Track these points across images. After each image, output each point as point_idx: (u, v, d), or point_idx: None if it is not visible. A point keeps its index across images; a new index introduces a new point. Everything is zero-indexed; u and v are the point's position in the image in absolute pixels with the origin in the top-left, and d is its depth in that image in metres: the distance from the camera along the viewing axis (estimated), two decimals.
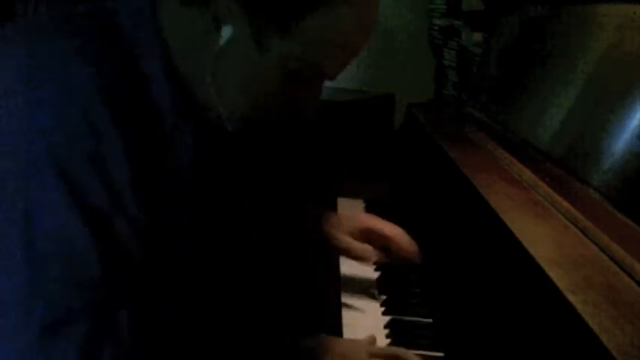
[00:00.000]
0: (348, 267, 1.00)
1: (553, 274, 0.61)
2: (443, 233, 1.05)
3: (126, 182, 0.54)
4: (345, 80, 2.17)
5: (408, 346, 0.80)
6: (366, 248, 0.93)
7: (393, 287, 0.97)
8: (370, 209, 1.30)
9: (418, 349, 0.79)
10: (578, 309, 0.55)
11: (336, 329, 0.85)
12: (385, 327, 0.86)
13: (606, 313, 0.54)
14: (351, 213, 1.03)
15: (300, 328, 0.78)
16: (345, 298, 0.93)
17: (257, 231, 0.90)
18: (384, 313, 0.90)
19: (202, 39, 0.59)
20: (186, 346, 0.64)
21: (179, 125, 0.60)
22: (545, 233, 0.73)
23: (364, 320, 0.89)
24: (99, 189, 0.52)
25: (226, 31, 0.57)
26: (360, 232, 0.95)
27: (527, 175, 0.92)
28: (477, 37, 1.59)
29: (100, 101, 0.54)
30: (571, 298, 0.57)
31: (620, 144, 0.77)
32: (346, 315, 0.89)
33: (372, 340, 0.80)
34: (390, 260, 0.97)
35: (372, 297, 0.95)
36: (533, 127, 1.05)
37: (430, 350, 0.79)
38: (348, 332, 0.85)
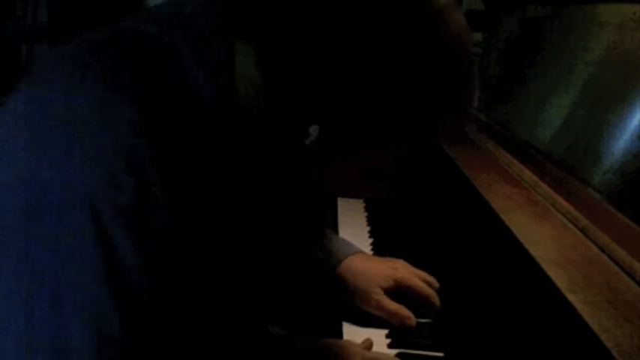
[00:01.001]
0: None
1: (553, 274, 0.61)
2: (443, 233, 1.05)
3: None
4: None
5: (408, 346, 0.80)
6: (406, 314, 0.84)
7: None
8: (370, 209, 1.30)
9: (418, 350, 0.79)
10: (578, 309, 0.55)
11: (336, 332, 0.85)
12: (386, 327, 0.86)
13: (606, 313, 0.54)
14: (386, 260, 0.93)
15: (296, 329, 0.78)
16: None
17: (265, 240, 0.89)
18: None
19: None
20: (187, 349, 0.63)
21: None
22: (545, 233, 0.73)
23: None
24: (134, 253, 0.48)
25: None
26: (393, 285, 0.87)
27: (527, 175, 0.92)
28: (477, 37, 1.59)
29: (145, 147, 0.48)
30: (571, 298, 0.57)
31: (620, 144, 0.77)
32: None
33: (369, 345, 0.80)
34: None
35: None
36: (533, 127, 1.05)
37: (430, 350, 0.79)
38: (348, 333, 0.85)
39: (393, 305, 0.84)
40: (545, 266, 0.63)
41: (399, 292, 0.86)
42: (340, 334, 0.84)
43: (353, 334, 0.83)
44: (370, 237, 1.15)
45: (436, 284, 0.89)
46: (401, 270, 0.89)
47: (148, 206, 0.48)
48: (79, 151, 0.48)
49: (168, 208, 0.49)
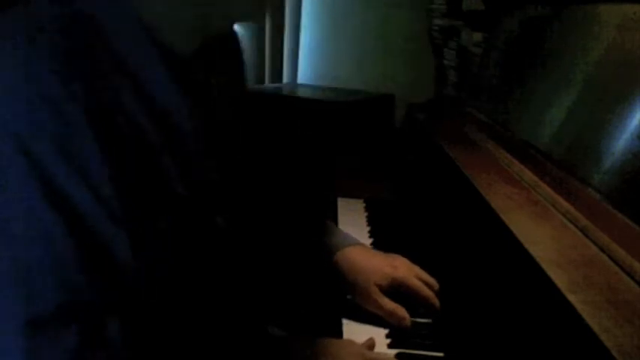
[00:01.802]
0: None
1: (553, 274, 0.61)
2: (443, 233, 1.05)
3: (102, 171, 0.53)
4: (345, 80, 2.18)
5: (408, 346, 0.80)
6: (403, 314, 0.84)
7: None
8: (370, 209, 1.30)
9: (418, 350, 0.79)
10: (578, 309, 0.55)
11: (336, 330, 0.85)
12: (386, 327, 0.86)
13: (606, 313, 0.54)
14: (386, 257, 0.91)
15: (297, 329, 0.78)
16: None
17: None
18: None
19: None
20: (179, 349, 0.64)
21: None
22: (545, 233, 0.73)
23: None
24: (73, 181, 0.51)
25: None
26: (391, 283, 0.86)
27: (527, 175, 0.92)
28: (477, 37, 1.59)
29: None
30: (571, 298, 0.57)
31: (620, 144, 0.77)
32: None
33: (371, 344, 0.80)
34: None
35: None
36: (533, 127, 1.05)
37: (430, 350, 0.79)
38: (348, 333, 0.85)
39: (390, 304, 0.84)
40: (545, 266, 0.63)
41: (398, 291, 0.86)
42: (340, 333, 0.84)
43: (353, 332, 0.83)
44: (370, 237, 1.15)
45: (436, 285, 0.89)
46: (401, 269, 0.88)
47: (71, 130, 0.51)
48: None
49: (94, 136, 0.52)
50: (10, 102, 0.51)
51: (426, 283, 0.88)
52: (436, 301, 0.86)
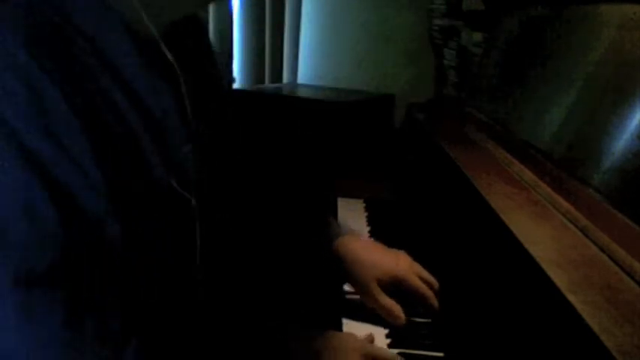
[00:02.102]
0: None
1: (553, 274, 0.61)
2: (443, 233, 1.05)
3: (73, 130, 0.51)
4: (345, 80, 2.18)
5: (408, 346, 0.80)
6: (398, 313, 0.84)
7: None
8: (370, 209, 1.30)
9: (418, 349, 0.79)
10: (578, 309, 0.55)
11: (336, 329, 0.85)
12: (385, 327, 0.86)
13: (606, 313, 0.54)
14: (389, 251, 0.91)
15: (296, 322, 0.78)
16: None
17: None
18: None
19: None
20: (174, 332, 0.63)
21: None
22: (545, 233, 0.73)
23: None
24: (45, 143, 0.50)
25: None
26: (391, 280, 0.86)
27: (527, 175, 0.92)
28: (477, 37, 1.59)
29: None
30: (571, 298, 0.57)
31: (620, 144, 0.77)
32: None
33: (370, 340, 0.80)
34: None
35: None
36: (533, 127, 1.05)
37: (430, 350, 0.79)
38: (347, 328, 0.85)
39: (387, 301, 0.84)
40: (545, 266, 0.63)
41: (397, 288, 0.86)
42: (340, 329, 0.84)
43: (353, 332, 0.83)
44: (370, 237, 1.15)
45: (436, 284, 0.89)
46: (402, 265, 0.88)
47: (44, 98, 0.50)
48: None
49: (71, 111, 0.51)
50: None
51: (427, 282, 0.88)
52: (434, 301, 0.86)
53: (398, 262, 0.88)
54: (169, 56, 0.62)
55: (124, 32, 0.58)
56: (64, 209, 0.50)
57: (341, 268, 0.87)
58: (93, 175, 0.52)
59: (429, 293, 0.86)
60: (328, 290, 0.91)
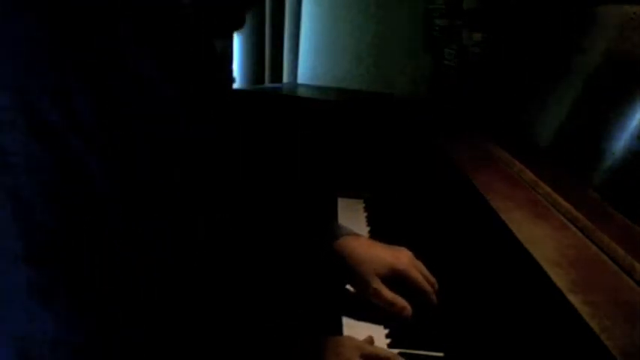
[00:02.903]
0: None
1: (553, 274, 0.61)
2: (443, 233, 1.05)
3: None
4: (345, 80, 2.18)
5: (408, 346, 0.80)
6: (402, 304, 0.84)
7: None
8: (370, 209, 1.30)
9: (418, 349, 0.79)
10: (578, 309, 0.55)
11: (336, 328, 0.85)
12: (385, 327, 0.86)
13: (606, 313, 0.54)
14: (390, 247, 0.91)
15: (296, 327, 0.78)
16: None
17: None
18: None
19: None
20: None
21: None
22: (545, 233, 0.73)
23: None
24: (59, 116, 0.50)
25: None
26: (391, 273, 0.86)
27: (527, 175, 0.92)
28: (477, 37, 1.59)
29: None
30: (571, 298, 0.57)
31: (620, 144, 0.77)
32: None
33: (370, 341, 0.80)
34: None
35: None
36: (533, 127, 1.05)
37: (430, 350, 0.79)
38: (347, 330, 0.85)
39: (390, 294, 0.84)
40: (545, 266, 0.63)
41: (398, 284, 0.86)
42: (340, 331, 0.84)
43: (353, 331, 0.83)
44: (370, 237, 1.15)
45: (436, 284, 0.89)
46: (403, 260, 0.88)
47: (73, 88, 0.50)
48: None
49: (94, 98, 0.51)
50: None
51: (427, 280, 0.88)
52: (433, 297, 0.86)
53: (399, 257, 0.88)
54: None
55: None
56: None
57: (341, 267, 0.87)
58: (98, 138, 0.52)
59: (429, 288, 0.86)
60: (329, 290, 0.91)
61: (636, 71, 0.81)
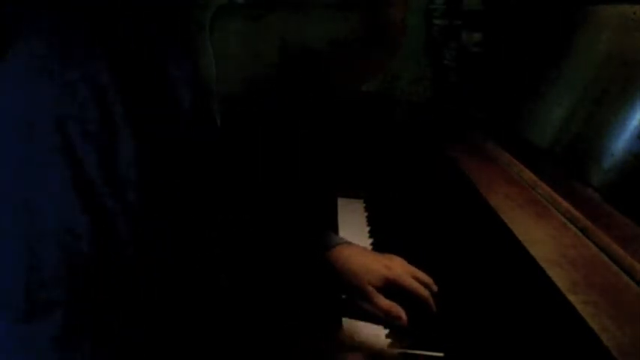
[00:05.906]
0: None
1: (553, 274, 0.61)
2: (443, 233, 1.05)
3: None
4: None
5: (408, 346, 0.80)
6: (397, 312, 0.84)
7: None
8: (370, 209, 1.30)
9: (418, 349, 0.79)
10: (578, 309, 0.55)
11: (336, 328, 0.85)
12: (385, 327, 0.86)
13: (606, 313, 0.54)
14: (382, 257, 0.91)
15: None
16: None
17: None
18: None
19: None
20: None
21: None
22: (545, 233, 0.73)
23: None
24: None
25: None
26: (383, 283, 0.86)
27: (527, 175, 0.92)
28: (477, 37, 1.59)
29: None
30: (571, 298, 0.57)
31: (620, 144, 0.77)
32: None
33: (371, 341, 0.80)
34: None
35: None
36: (533, 127, 1.05)
37: (430, 350, 0.79)
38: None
39: (385, 303, 0.84)
40: (545, 266, 0.63)
41: (394, 290, 0.86)
42: (340, 331, 0.84)
43: (353, 331, 0.83)
44: (370, 237, 1.15)
45: (433, 285, 0.89)
46: (395, 269, 0.88)
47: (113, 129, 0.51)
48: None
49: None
50: None
51: (423, 283, 0.88)
52: (431, 301, 0.86)
53: (390, 266, 0.89)
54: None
55: None
56: None
57: (335, 279, 0.88)
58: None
59: (424, 293, 0.87)
60: (327, 292, 0.91)
61: (636, 71, 0.81)
